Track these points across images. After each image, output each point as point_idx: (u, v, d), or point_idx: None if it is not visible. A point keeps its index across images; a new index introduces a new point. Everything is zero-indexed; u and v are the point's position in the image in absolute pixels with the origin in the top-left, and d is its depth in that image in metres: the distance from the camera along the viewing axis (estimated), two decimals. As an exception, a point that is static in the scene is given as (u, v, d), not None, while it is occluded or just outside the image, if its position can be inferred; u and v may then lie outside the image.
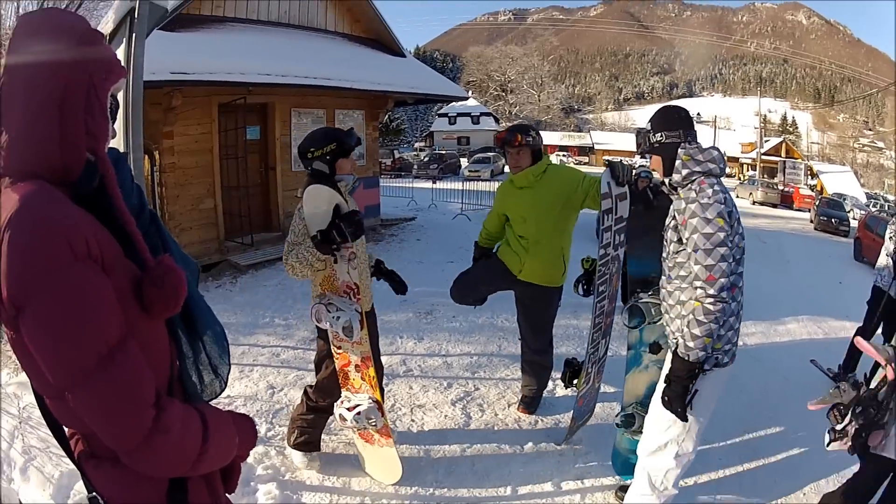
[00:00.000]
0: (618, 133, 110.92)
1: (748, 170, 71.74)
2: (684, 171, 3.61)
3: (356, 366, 4.48)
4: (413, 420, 5.79)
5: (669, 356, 3.88)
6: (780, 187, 53.68)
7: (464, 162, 54.15)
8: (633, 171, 5.07)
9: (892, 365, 3.77)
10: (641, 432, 4.57)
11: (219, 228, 12.41)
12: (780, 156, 77.53)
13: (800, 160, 79.59)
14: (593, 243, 5.17)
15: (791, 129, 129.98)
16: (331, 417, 4.96)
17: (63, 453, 1.85)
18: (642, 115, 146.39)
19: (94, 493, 1.79)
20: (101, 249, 1.57)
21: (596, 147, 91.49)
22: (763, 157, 70.25)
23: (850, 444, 3.87)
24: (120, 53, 5.42)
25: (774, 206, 45.86)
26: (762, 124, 79.07)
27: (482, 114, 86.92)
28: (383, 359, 5.20)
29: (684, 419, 3.61)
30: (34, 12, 1.84)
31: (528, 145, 5.29)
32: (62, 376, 1.51)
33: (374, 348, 4.57)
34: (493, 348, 7.25)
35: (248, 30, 13.18)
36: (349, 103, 15.44)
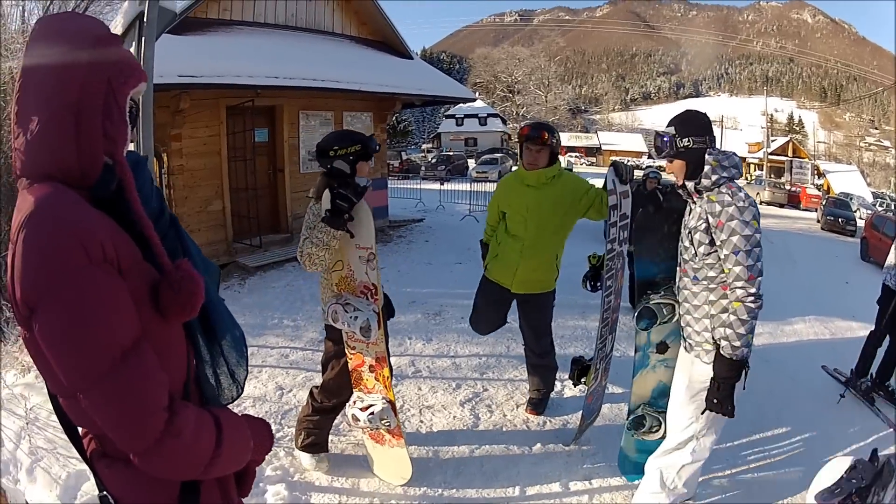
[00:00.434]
0: (625, 133, 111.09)
1: (755, 169, 71.53)
2: (714, 177, 3.68)
3: (370, 366, 4.50)
4: (422, 421, 5.80)
5: (683, 354, 4.05)
6: (787, 187, 53.60)
7: (471, 163, 54.02)
8: (642, 172, 5.11)
9: None
10: (652, 433, 4.64)
11: (227, 230, 12.45)
12: (787, 155, 77.27)
13: (806, 160, 79.36)
14: (592, 243, 5.18)
15: (797, 129, 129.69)
16: (338, 418, 4.99)
17: (70, 454, 1.86)
18: (649, 116, 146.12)
19: (104, 493, 1.79)
20: (118, 252, 1.58)
21: (603, 148, 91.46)
22: (770, 156, 70.10)
23: None
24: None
25: (781, 205, 45.78)
26: (769, 124, 78.81)
27: (489, 115, 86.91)
28: (392, 360, 5.22)
29: (733, 416, 3.68)
30: (52, 16, 1.85)
31: (550, 146, 5.28)
32: (74, 378, 1.52)
33: (385, 349, 4.59)
34: (502, 349, 7.26)
35: (256, 33, 13.21)
36: (357, 105, 15.43)
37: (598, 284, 5.15)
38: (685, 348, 4.05)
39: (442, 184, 27.87)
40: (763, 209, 39.60)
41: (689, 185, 3.81)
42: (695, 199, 3.85)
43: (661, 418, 4.64)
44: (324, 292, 4.54)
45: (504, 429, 5.73)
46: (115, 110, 1.69)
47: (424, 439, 5.45)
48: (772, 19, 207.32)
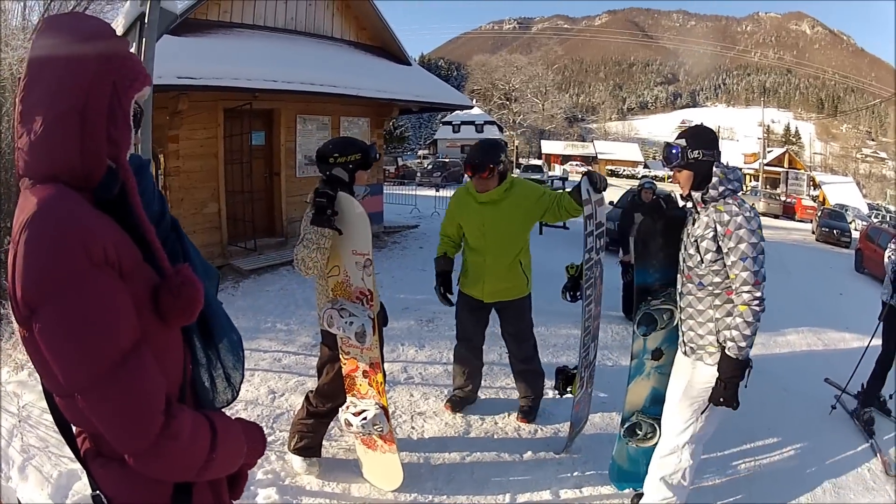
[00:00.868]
0: (621, 143, 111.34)
1: (751, 180, 71.71)
2: (721, 188, 3.90)
3: (364, 371, 4.51)
4: (413, 427, 5.81)
5: (681, 359, 4.20)
6: (783, 198, 53.82)
7: (467, 170, 53.91)
8: (638, 183, 5.14)
9: None
10: (647, 440, 4.71)
11: (222, 233, 12.43)
12: (783, 166, 77.56)
13: (802, 171, 79.60)
14: (565, 251, 5.22)
15: (794, 140, 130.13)
16: (331, 423, 5.00)
17: (61, 453, 1.87)
18: (646, 125, 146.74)
19: (97, 492, 1.80)
20: (119, 255, 1.59)
21: (599, 156, 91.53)
22: (766, 167, 70.39)
23: None
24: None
25: (776, 216, 46.05)
26: (765, 135, 79.11)
27: (486, 122, 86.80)
28: (385, 365, 5.24)
29: (737, 408, 3.89)
30: (59, 16, 1.85)
31: (498, 172, 5.32)
32: (73, 379, 1.53)
33: (379, 355, 4.61)
34: (494, 357, 7.27)
35: (255, 36, 13.22)
36: (354, 110, 15.46)
37: (578, 294, 5.25)
38: (684, 353, 4.17)
39: (437, 190, 27.92)
40: (758, 221, 40.02)
41: (696, 195, 3.98)
42: (698, 209, 4.01)
43: (655, 425, 4.69)
44: (319, 297, 4.56)
45: (495, 436, 5.74)
46: (119, 114, 1.70)
47: (416, 445, 5.46)
48: (770, 30, 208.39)
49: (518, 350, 5.94)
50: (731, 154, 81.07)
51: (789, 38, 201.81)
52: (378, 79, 14.92)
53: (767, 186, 66.59)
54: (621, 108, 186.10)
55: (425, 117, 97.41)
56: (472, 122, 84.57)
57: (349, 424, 4.55)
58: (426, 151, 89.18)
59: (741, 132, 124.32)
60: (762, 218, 3.99)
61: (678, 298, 4.23)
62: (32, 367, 5.72)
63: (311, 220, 4.09)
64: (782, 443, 6.01)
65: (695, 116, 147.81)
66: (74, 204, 1.58)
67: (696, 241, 3.95)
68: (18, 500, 4.31)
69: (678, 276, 4.24)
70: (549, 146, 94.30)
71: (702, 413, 4.03)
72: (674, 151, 3.97)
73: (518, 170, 55.94)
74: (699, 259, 3.94)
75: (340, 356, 4.53)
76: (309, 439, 4.83)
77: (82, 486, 4.41)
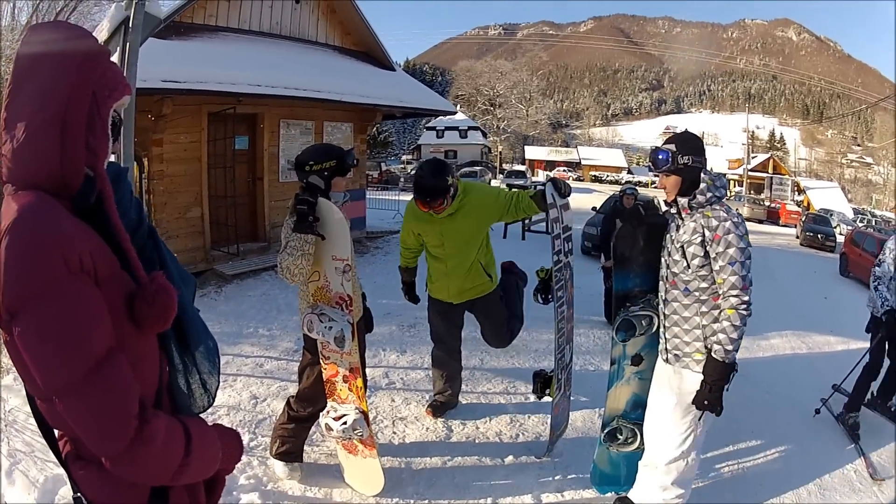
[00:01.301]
0: (605, 148, 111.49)
1: (735, 186, 71.92)
2: (708, 195, 3.93)
3: (344, 376, 4.51)
4: (395, 432, 5.82)
5: (664, 367, 4.24)
6: (767, 203, 54.01)
7: (450, 176, 53.91)
8: (620, 188, 5.17)
9: None
10: (627, 445, 4.73)
11: (205, 237, 12.39)
12: (768, 172, 77.97)
13: (787, 176, 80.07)
14: (548, 257, 5.25)
15: (779, 146, 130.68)
16: (313, 428, 5.01)
17: (47, 458, 1.88)
18: (630, 131, 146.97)
19: (78, 494, 1.83)
20: (95, 263, 1.62)
21: (583, 162, 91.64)
22: (750, 173, 70.52)
23: None
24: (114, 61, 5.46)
25: (760, 221, 46.22)
26: (750, 140, 79.39)
27: (470, 128, 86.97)
28: (367, 371, 5.24)
29: (720, 414, 3.93)
30: (42, 25, 1.87)
31: (451, 198, 5.31)
32: (51, 383, 1.56)
33: (361, 360, 4.62)
34: (476, 362, 7.29)
35: (240, 40, 13.21)
36: (338, 115, 15.44)
37: (549, 297, 5.33)
38: (667, 360, 4.19)
39: (420, 195, 27.80)
40: (741, 226, 40.41)
41: (683, 200, 4.00)
42: (683, 216, 4.03)
43: (636, 430, 4.73)
44: (301, 302, 4.57)
45: (476, 441, 5.75)
46: (98, 123, 1.73)
47: (397, 450, 5.47)
48: (756, 37, 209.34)
49: (496, 337, 6.07)
50: (716, 160, 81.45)
51: (775, 44, 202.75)
52: (362, 84, 14.92)
53: (751, 192, 66.89)
54: (606, 113, 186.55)
55: (409, 122, 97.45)
56: (456, 128, 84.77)
57: (330, 429, 4.55)
58: (410, 156, 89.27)
59: (726, 138, 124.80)
60: (747, 223, 4.03)
61: (662, 305, 4.23)
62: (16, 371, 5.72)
63: (294, 227, 4.10)
64: (767, 445, 6.05)
65: (679, 122, 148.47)
66: (53, 211, 1.60)
67: (682, 246, 3.97)
68: None
69: (661, 282, 4.25)
70: (532, 152, 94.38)
71: (699, 419, 4.06)
72: (661, 157, 3.98)
73: (502, 175, 55.99)
74: (685, 265, 3.96)
75: (321, 361, 4.54)
76: (290, 444, 4.83)
77: (68, 491, 4.37)
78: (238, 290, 11.19)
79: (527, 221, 19.57)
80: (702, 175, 3.95)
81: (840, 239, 32.23)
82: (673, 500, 4.23)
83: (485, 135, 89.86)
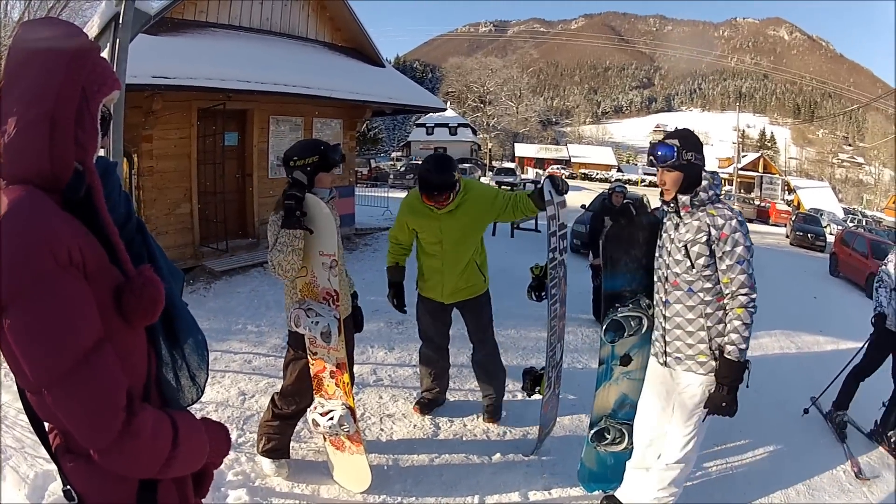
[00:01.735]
0: (595, 146, 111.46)
1: (725, 184, 71.99)
2: (710, 192, 3.92)
3: (331, 372, 4.53)
4: (382, 429, 5.83)
5: (660, 370, 4.25)
6: (757, 202, 54.11)
7: (440, 172, 53.71)
8: (609, 186, 5.16)
9: None
10: (615, 445, 4.75)
11: (194, 233, 12.37)
12: (758, 171, 78.01)
13: (777, 175, 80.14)
14: (535, 255, 5.26)
15: (769, 145, 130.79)
16: (300, 425, 5.02)
17: (38, 454, 1.89)
18: (620, 129, 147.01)
19: (68, 487, 1.84)
20: (84, 256, 1.63)
21: (573, 160, 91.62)
22: (740, 172, 70.61)
23: None
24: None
25: (750, 220, 46.04)
26: (740, 139, 79.52)
27: (460, 125, 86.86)
28: (354, 367, 5.25)
29: (734, 414, 3.94)
30: (31, 22, 1.88)
31: (455, 193, 5.30)
32: (39, 376, 1.57)
33: (349, 357, 4.64)
34: (464, 359, 7.28)
35: (230, 36, 13.19)
36: (327, 112, 15.42)
37: (543, 294, 5.30)
38: (665, 363, 4.17)
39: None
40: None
41: (684, 198, 3.95)
42: (682, 214, 3.98)
43: (624, 430, 4.75)
44: (287, 298, 4.58)
45: (464, 438, 5.77)
46: (87, 118, 1.73)
47: (385, 447, 5.48)
48: (748, 35, 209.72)
49: (481, 346, 5.97)
50: (706, 158, 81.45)
51: (767, 43, 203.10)
52: (351, 80, 14.93)
53: (741, 190, 67.02)
54: (596, 111, 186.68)
55: (399, 119, 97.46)
56: (445, 125, 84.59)
57: (317, 425, 4.57)
58: (399, 153, 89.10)
59: (716, 136, 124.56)
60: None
61: (662, 307, 4.16)
62: (6, 366, 5.71)
63: (282, 223, 4.11)
64: (755, 445, 6.08)
65: (670, 121, 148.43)
66: (42, 206, 1.61)
67: (684, 245, 3.93)
68: None
69: (658, 283, 4.20)
70: (522, 149, 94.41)
71: (702, 421, 4.08)
72: (665, 151, 3.90)
73: (491, 172, 55.93)
74: (689, 265, 3.92)
75: (308, 356, 4.55)
76: (276, 441, 4.84)
77: (58, 487, 4.37)
78: (227, 287, 11.17)
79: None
80: (703, 173, 3.93)
81: (830, 239, 32.26)
82: (665, 499, 4.24)
83: (475, 132, 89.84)
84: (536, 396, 5.46)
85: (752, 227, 40.72)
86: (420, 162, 54.06)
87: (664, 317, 4.14)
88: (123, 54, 5.90)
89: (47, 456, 1.91)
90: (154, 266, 1.86)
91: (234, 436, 5.36)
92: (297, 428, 5.05)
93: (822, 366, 7.49)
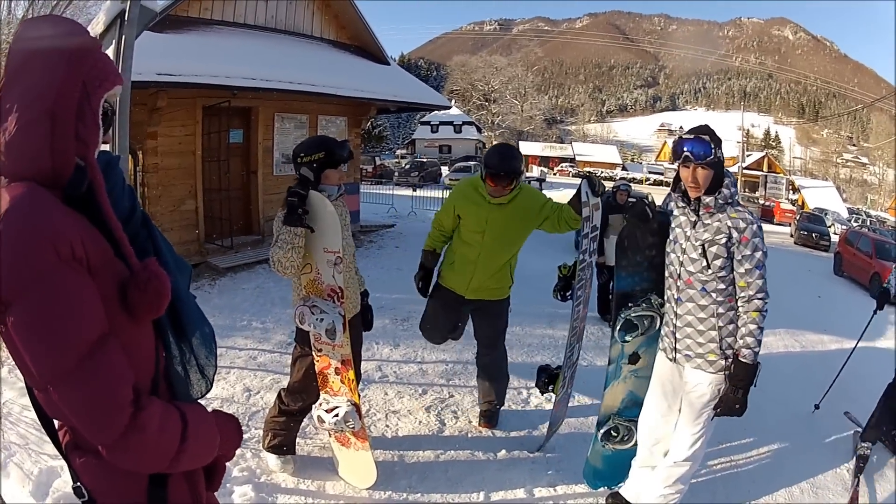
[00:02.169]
0: (600, 145, 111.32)
1: (731, 184, 71.86)
2: (732, 189, 3.91)
3: (336, 368, 4.52)
4: (388, 425, 5.83)
5: (669, 367, 4.25)
6: (761, 201, 54.06)
7: (445, 170, 53.59)
8: (612, 184, 5.13)
9: None
10: (624, 442, 4.75)
11: (199, 230, 12.39)
12: (762, 170, 77.87)
13: (781, 175, 80.00)
14: (561, 253, 5.24)
15: (774, 144, 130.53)
16: (305, 421, 5.02)
17: (42, 450, 1.88)
18: (624, 128, 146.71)
19: (77, 483, 1.83)
20: (87, 251, 1.64)
21: (577, 158, 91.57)
22: (744, 171, 70.46)
23: None
24: (109, 54, 5.45)
25: (754, 219, 46.10)
26: (744, 139, 79.39)
27: (464, 123, 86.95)
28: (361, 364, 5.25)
29: (743, 414, 4.00)
30: (32, 20, 1.88)
31: (518, 185, 5.27)
32: (44, 372, 1.58)
33: (356, 355, 4.65)
34: (469, 356, 7.27)
35: (235, 33, 13.20)
36: (332, 109, 15.45)
37: (569, 294, 5.22)
38: (674, 359, 4.17)
39: (415, 190, 28.00)
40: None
41: (707, 199, 3.88)
42: (701, 213, 3.94)
43: (632, 427, 4.74)
44: (294, 294, 4.58)
45: (469, 435, 5.76)
46: (88, 114, 1.73)
47: (390, 444, 5.48)
48: (752, 35, 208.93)
49: (491, 351, 5.84)
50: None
51: (771, 43, 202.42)
52: (356, 78, 14.93)
53: (746, 190, 67.04)
54: (600, 110, 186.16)
55: (403, 117, 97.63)
56: (450, 123, 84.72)
57: (322, 421, 4.56)
58: (404, 151, 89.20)
59: (721, 135, 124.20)
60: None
61: (674, 304, 4.13)
62: (11, 363, 5.71)
63: (284, 220, 4.11)
64: (759, 443, 6.06)
65: (674, 120, 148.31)
66: (44, 202, 1.62)
67: (702, 245, 3.89)
68: (1, 499, 4.31)
69: (670, 280, 4.17)
70: (527, 147, 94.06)
71: (711, 419, 4.10)
72: (702, 149, 3.77)
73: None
74: (705, 264, 3.89)
75: (313, 353, 4.54)
76: (282, 437, 4.84)
77: (62, 484, 4.40)
78: (232, 284, 11.20)
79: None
80: (724, 170, 3.91)
81: (834, 238, 32.28)
82: (672, 497, 4.25)
83: (479, 130, 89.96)
84: (549, 395, 5.46)
85: (756, 226, 41.01)
86: (425, 159, 53.75)
87: (675, 314, 4.13)
88: (129, 51, 5.91)
89: (52, 452, 1.92)
90: (160, 259, 1.86)
91: (239, 432, 5.37)
92: (302, 424, 5.05)
93: (826, 365, 7.48)
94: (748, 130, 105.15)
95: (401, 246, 15.72)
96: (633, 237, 4.59)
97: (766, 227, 36.88)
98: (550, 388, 5.37)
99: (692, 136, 3.88)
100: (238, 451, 4.97)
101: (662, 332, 4.33)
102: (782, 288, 15.46)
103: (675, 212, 4.15)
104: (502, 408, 6.08)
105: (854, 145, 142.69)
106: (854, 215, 61.08)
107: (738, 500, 5.05)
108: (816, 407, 6.85)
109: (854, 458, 5.93)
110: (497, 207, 5.24)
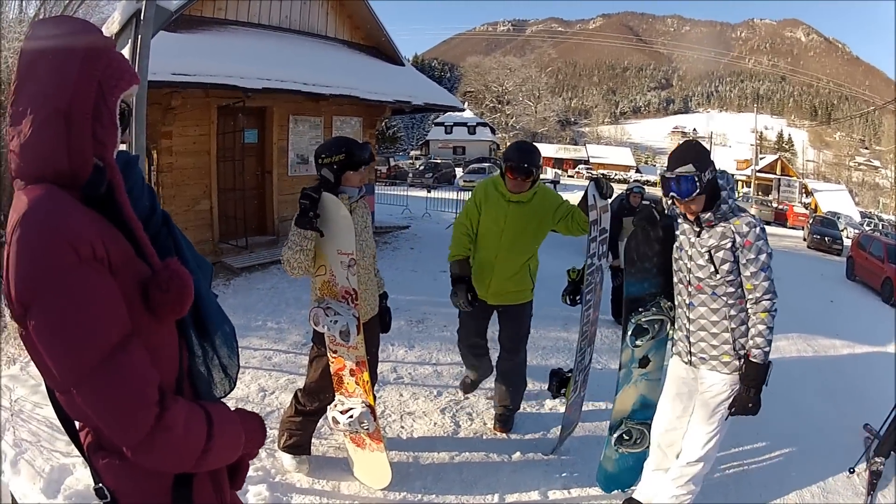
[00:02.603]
0: (614, 147, 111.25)
1: (742, 186, 71.68)
2: (730, 202, 3.96)
3: (351, 370, 4.53)
4: (403, 427, 5.83)
5: (683, 369, 4.29)
6: (774, 205, 53.89)
7: (459, 172, 53.68)
8: (626, 187, 5.13)
9: None
10: (636, 445, 4.74)
11: (214, 230, 12.42)
12: (776, 173, 77.57)
13: (794, 178, 79.74)
14: (574, 256, 5.22)
15: (787, 147, 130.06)
16: (321, 421, 5.02)
17: (53, 447, 1.88)
18: (638, 130, 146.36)
19: (100, 485, 1.82)
20: (108, 251, 1.63)
21: (591, 160, 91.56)
22: (758, 174, 70.29)
23: None
24: (125, 54, 5.46)
25: (768, 223, 45.67)
26: (758, 141, 79.17)
27: (478, 124, 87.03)
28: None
29: (757, 413, 4.07)
30: (46, 20, 1.88)
31: (537, 178, 5.28)
32: (66, 374, 1.57)
33: (372, 357, 4.66)
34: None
35: (250, 33, 13.23)
36: (347, 110, 15.47)
37: (578, 298, 5.22)
38: (690, 363, 4.20)
39: (429, 191, 27.92)
40: (748, 227, 40.99)
41: (706, 216, 3.94)
42: (702, 226, 4.00)
43: (644, 430, 4.75)
44: (312, 295, 4.58)
45: (484, 437, 5.76)
46: (105, 113, 1.73)
47: (405, 445, 5.48)
48: (765, 37, 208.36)
49: (512, 355, 5.80)
50: (724, 160, 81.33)
51: (784, 45, 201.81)
52: (371, 79, 14.94)
53: (759, 193, 66.85)
54: (614, 112, 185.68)
55: (417, 118, 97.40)
56: (464, 124, 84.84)
57: (336, 422, 4.57)
58: (418, 152, 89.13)
59: (734, 138, 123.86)
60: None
61: (685, 309, 4.17)
62: (24, 361, 5.72)
63: (294, 222, 4.11)
64: (770, 447, 6.03)
65: (687, 122, 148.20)
66: (62, 203, 1.61)
67: (708, 251, 3.94)
68: (12, 496, 4.31)
69: (680, 286, 4.21)
70: (541, 149, 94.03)
71: (725, 420, 4.12)
72: (686, 186, 3.82)
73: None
74: (713, 269, 3.94)
75: (329, 354, 4.55)
76: (298, 437, 4.84)
77: (74, 481, 4.42)
78: (247, 284, 11.22)
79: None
80: (718, 182, 3.92)
81: (847, 242, 32.09)
82: (684, 497, 4.24)
83: (493, 131, 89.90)
84: (561, 398, 5.45)
85: (769, 229, 40.37)
86: (439, 160, 53.79)
87: (688, 318, 4.16)
88: (145, 51, 5.92)
89: (63, 450, 1.91)
90: (181, 258, 1.85)
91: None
92: (317, 424, 5.05)
93: (838, 369, 7.44)
94: (761, 133, 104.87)
95: (415, 247, 15.73)
96: (641, 242, 4.61)
97: (779, 230, 37.23)
98: (562, 392, 5.37)
99: (674, 176, 3.87)
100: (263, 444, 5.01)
101: (676, 336, 4.36)
102: (795, 292, 15.44)
103: (679, 219, 4.21)
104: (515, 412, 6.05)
105: (866, 148, 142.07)
106: (866, 219, 60.83)
107: (750, 502, 5.05)
108: (851, 471, 6.35)
109: (867, 472, 5.81)
110: (516, 205, 5.26)
